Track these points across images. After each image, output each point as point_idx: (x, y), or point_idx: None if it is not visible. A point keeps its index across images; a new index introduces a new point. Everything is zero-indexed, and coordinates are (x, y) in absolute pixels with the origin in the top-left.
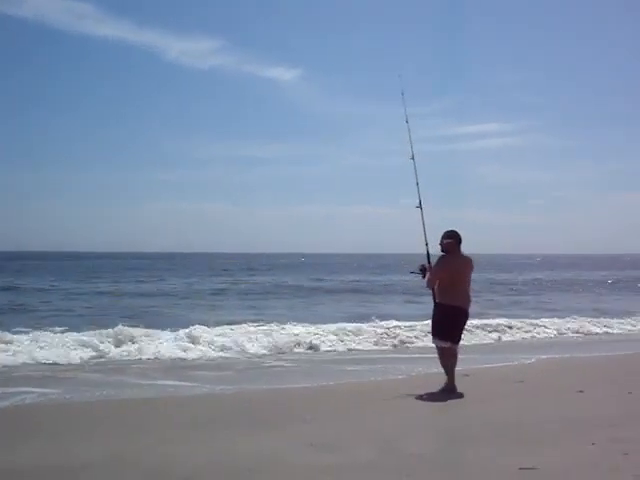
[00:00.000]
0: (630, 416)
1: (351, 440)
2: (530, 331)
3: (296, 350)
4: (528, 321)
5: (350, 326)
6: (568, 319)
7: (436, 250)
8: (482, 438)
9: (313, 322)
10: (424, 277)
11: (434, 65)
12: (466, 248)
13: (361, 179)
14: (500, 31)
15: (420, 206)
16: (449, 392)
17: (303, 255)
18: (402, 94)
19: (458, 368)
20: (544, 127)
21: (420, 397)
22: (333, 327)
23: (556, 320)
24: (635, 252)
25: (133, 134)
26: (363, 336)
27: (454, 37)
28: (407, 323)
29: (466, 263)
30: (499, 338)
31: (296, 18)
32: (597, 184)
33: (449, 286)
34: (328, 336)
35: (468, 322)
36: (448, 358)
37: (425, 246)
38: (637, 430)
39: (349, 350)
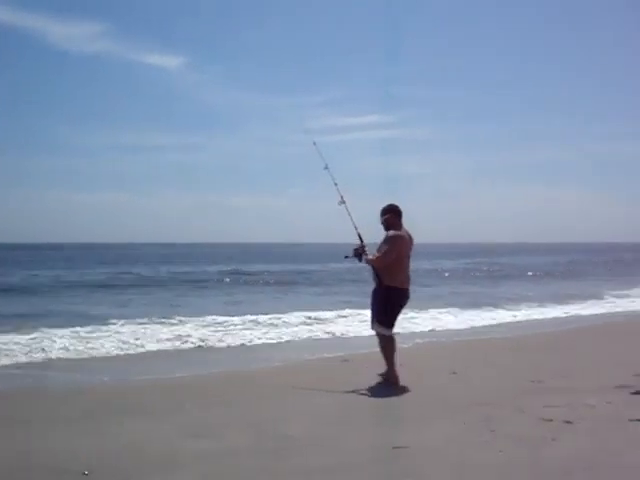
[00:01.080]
0: (499, 396)
1: (228, 426)
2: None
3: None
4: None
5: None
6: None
7: (301, 239)
8: (358, 420)
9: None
10: (360, 260)
11: (318, 57)
12: (344, 239)
13: (249, 168)
14: (380, 24)
15: (342, 201)
16: (394, 384)
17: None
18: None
19: (340, 353)
20: (422, 119)
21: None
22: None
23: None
24: (505, 241)
25: (15, 120)
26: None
27: (340, 29)
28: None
29: (410, 239)
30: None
31: (183, 5)
32: (471, 175)
33: (397, 266)
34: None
35: None
36: (392, 346)
37: (355, 230)
38: (505, 409)
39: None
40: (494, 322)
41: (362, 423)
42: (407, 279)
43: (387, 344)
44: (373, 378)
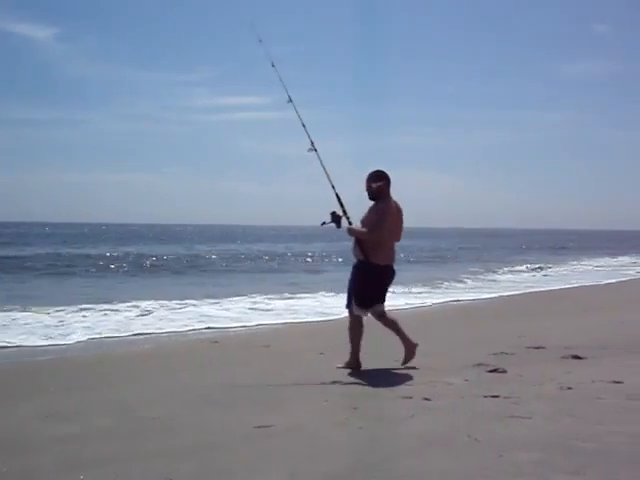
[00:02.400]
0: (361, 374)
1: (91, 409)
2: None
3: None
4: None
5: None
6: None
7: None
8: (223, 401)
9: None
10: (339, 226)
11: (197, 33)
12: (227, 219)
13: (123, 146)
14: (265, 5)
15: (314, 148)
16: (357, 369)
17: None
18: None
19: (209, 335)
20: (303, 101)
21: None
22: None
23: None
24: None
25: None
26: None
27: (220, 5)
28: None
29: (400, 212)
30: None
31: None
32: (353, 159)
33: (384, 241)
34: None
35: None
36: (359, 329)
37: (332, 189)
38: (365, 387)
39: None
40: None
41: (227, 404)
42: (393, 255)
43: (355, 325)
44: (241, 359)
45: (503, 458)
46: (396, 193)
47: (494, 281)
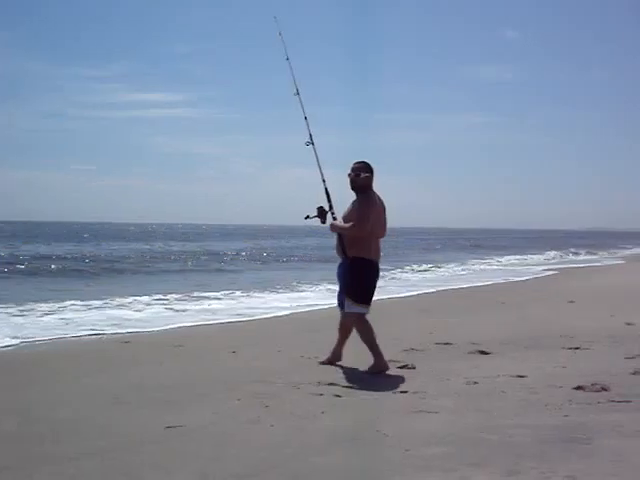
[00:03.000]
0: (274, 371)
1: None
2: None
3: None
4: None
5: None
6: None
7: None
8: (133, 402)
9: None
10: (324, 221)
11: (110, 29)
12: (137, 218)
13: (30, 142)
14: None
15: (311, 142)
16: (382, 372)
17: None
18: (280, 34)
19: (119, 336)
20: (215, 100)
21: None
22: None
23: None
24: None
25: None
26: None
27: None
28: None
29: (384, 207)
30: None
31: None
32: (262, 159)
33: (369, 236)
34: None
35: None
36: (370, 328)
37: (323, 182)
38: (280, 385)
39: None
40: (269, 305)
41: (137, 404)
42: (379, 251)
43: (364, 326)
44: (154, 359)
45: (410, 452)
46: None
47: (396, 279)
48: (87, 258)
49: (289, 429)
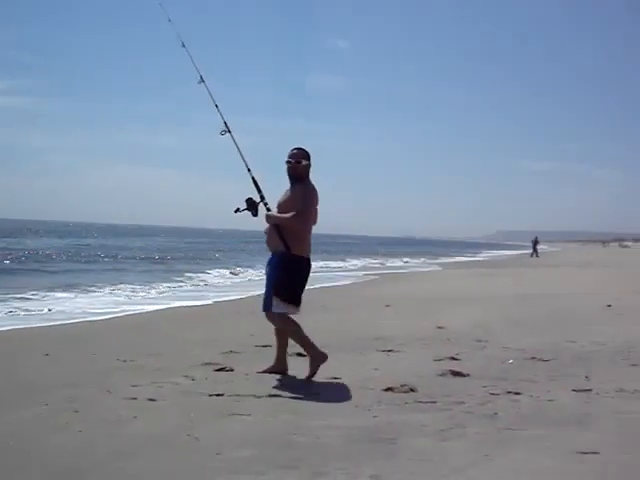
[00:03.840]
0: (89, 376)
1: None
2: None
3: None
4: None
5: None
6: None
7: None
8: None
9: None
10: (255, 214)
11: None
12: None
13: None
14: None
15: (228, 130)
16: (323, 362)
17: None
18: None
19: None
20: (44, 89)
21: None
22: None
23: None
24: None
25: None
26: None
27: None
28: None
29: (317, 198)
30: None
31: None
32: (87, 154)
33: (307, 231)
34: None
35: None
36: (299, 327)
37: (248, 172)
38: (93, 389)
39: None
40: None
41: None
42: (310, 246)
43: (294, 326)
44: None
45: (221, 456)
46: (139, 191)
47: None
48: None
49: (98, 434)
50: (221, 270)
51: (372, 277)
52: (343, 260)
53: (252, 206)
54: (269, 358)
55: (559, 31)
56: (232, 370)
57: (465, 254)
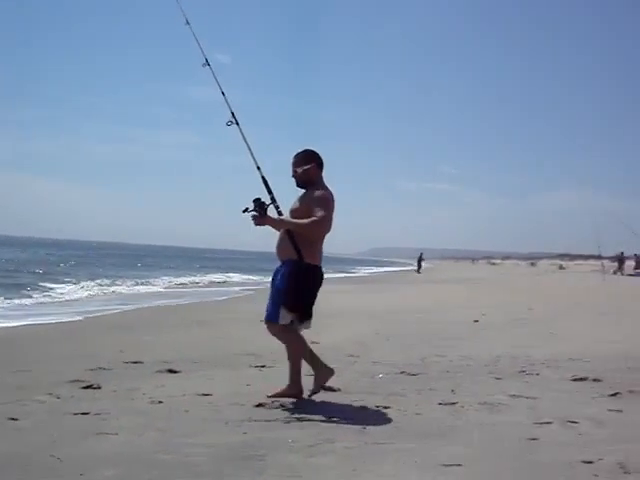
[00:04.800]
0: None
1: None
2: None
3: None
4: None
5: None
6: None
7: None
8: None
9: None
10: (264, 216)
11: None
12: None
13: None
14: None
15: (235, 120)
16: (299, 397)
17: None
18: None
19: None
20: None
21: None
22: None
23: None
24: None
25: None
26: None
27: None
28: None
29: (334, 203)
30: None
31: None
32: None
33: (320, 237)
34: None
35: None
36: (302, 344)
37: (258, 170)
38: None
39: None
40: None
41: None
42: (321, 255)
43: (298, 343)
44: None
45: (84, 477)
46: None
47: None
48: None
49: None
50: (87, 282)
51: (248, 292)
52: (224, 274)
53: (261, 207)
54: (139, 375)
55: (430, 58)
56: (99, 388)
57: (340, 271)
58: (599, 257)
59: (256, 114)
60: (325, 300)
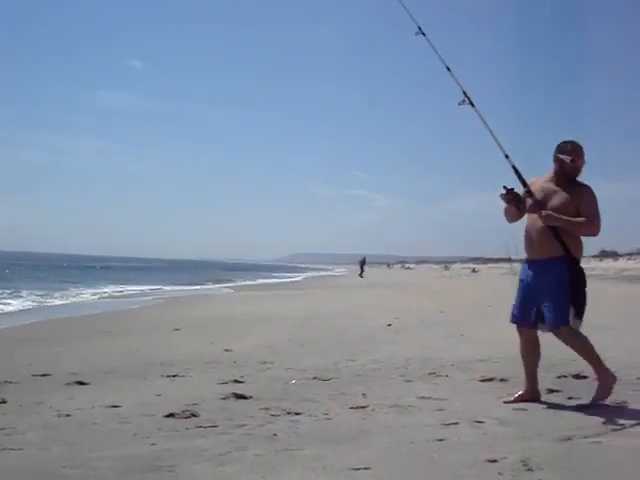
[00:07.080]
0: None
1: None
2: None
3: None
4: None
5: None
6: None
7: None
8: None
9: None
10: (520, 208)
11: None
12: None
13: None
14: None
15: (469, 100)
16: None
17: None
18: None
19: None
20: None
21: None
22: None
23: None
24: None
25: None
26: None
27: None
28: None
29: None
30: None
31: None
32: None
33: (592, 237)
34: None
35: None
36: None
37: (506, 158)
38: None
39: None
40: None
41: None
42: None
43: (588, 341)
44: None
45: None
46: None
47: None
48: None
49: None
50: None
51: (160, 301)
52: (133, 284)
53: (516, 198)
54: (47, 388)
55: (341, 66)
56: (5, 402)
57: (256, 277)
58: (509, 260)
59: (169, 118)
60: (240, 307)
